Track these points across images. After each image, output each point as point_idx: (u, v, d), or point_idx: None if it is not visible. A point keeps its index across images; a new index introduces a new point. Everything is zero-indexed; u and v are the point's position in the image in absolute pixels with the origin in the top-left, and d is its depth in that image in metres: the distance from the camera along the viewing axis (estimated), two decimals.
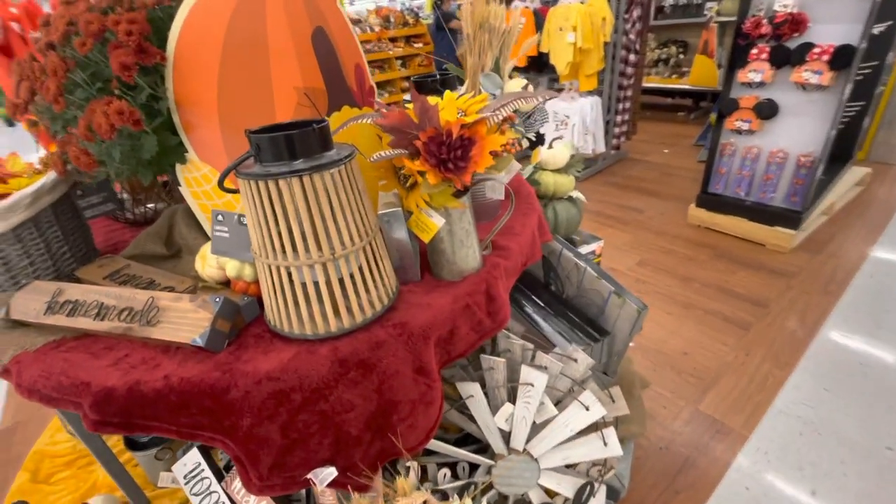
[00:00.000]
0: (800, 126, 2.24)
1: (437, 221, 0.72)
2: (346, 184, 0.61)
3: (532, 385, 0.80)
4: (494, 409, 0.84)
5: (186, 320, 0.66)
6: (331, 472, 0.68)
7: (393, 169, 0.74)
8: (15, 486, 1.19)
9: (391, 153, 0.65)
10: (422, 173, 0.66)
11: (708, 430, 1.43)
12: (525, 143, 0.96)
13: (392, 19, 5.39)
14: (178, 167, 0.80)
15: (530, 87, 0.88)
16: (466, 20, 0.80)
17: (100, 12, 0.67)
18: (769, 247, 2.42)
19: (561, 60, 3.27)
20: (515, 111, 0.87)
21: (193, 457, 0.83)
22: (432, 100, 0.70)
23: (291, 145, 0.56)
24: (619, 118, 3.71)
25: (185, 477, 0.83)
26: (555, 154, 1.31)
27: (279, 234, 0.59)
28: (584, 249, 1.40)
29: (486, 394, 0.85)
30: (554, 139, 1.34)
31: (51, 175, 0.84)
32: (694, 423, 1.46)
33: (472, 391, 0.82)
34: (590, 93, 3.40)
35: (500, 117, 0.65)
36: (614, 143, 3.80)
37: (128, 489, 0.93)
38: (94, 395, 0.59)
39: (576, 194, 1.38)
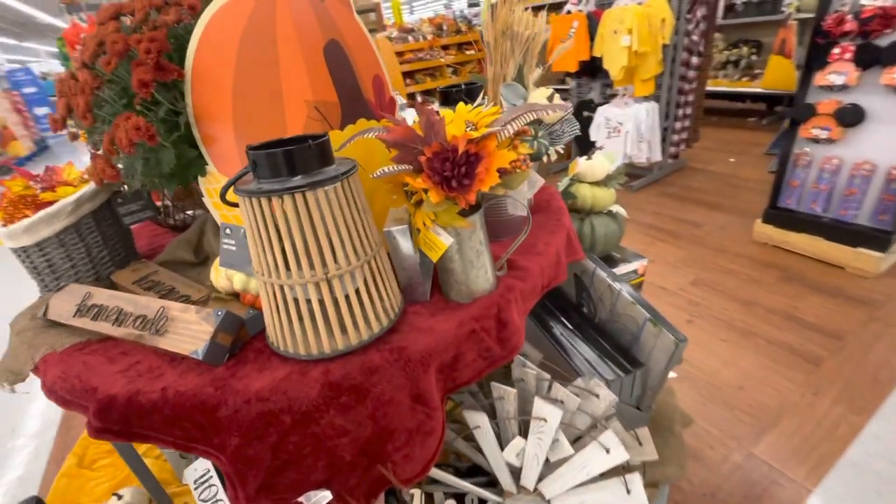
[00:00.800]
0: (892, 135, 1.97)
1: (446, 240, 0.68)
2: (344, 200, 0.59)
3: (545, 420, 0.74)
4: (504, 442, 0.78)
5: (190, 332, 0.67)
6: (325, 496, 0.66)
7: (401, 184, 0.71)
8: (63, 469, 1.29)
9: (394, 169, 0.62)
10: (426, 191, 0.62)
11: (763, 479, 1.27)
12: (553, 156, 0.89)
13: (445, 27, 5.43)
14: (201, 179, 0.82)
15: (556, 98, 0.82)
16: (487, 27, 0.75)
17: (129, 32, 0.70)
18: (850, 270, 2.14)
19: (615, 65, 3.11)
20: (538, 122, 0.81)
21: (203, 463, 0.84)
22: (444, 112, 0.66)
23: (287, 161, 0.55)
24: (678, 125, 3.47)
25: (194, 482, 0.84)
26: (593, 165, 1.23)
27: (272, 250, 0.58)
28: (625, 268, 1.30)
29: (496, 424, 0.79)
30: (595, 149, 1.26)
31: (91, 185, 0.89)
32: (746, 469, 1.30)
33: (479, 422, 0.77)
34: (646, 98, 3.21)
35: (511, 131, 0.60)
36: (672, 152, 3.55)
37: (147, 484, 0.96)
38: (98, 401, 0.61)
39: (616, 208, 1.28)
